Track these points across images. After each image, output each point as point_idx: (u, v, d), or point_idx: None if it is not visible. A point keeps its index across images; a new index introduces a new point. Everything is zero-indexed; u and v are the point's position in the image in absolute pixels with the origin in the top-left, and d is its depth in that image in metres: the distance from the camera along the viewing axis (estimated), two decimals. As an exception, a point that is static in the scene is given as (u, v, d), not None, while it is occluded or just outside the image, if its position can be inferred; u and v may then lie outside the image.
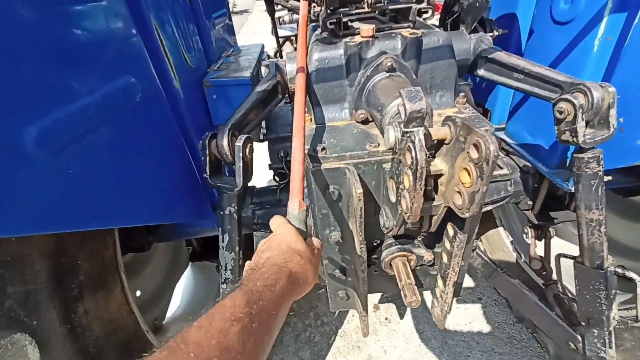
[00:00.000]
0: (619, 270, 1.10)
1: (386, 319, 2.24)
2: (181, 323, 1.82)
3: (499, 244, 2.19)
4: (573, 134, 1.01)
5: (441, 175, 0.86)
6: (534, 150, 1.45)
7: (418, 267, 1.34)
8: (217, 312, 0.49)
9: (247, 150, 1.05)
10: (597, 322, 1.15)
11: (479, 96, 1.75)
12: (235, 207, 1.21)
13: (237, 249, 1.23)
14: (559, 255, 1.25)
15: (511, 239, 2.15)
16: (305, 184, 0.85)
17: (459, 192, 0.80)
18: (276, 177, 1.56)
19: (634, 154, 1.14)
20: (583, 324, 1.19)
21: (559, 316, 1.36)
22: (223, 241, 1.22)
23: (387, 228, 1.02)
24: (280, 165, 1.51)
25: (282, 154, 1.49)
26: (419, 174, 0.73)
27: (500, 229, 2.19)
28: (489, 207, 1.59)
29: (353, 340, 2.13)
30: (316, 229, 1.15)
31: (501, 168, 1.52)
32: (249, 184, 1.59)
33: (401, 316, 2.24)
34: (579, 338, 1.25)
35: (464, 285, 2.40)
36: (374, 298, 2.36)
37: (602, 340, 1.16)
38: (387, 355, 2.04)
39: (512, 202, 1.57)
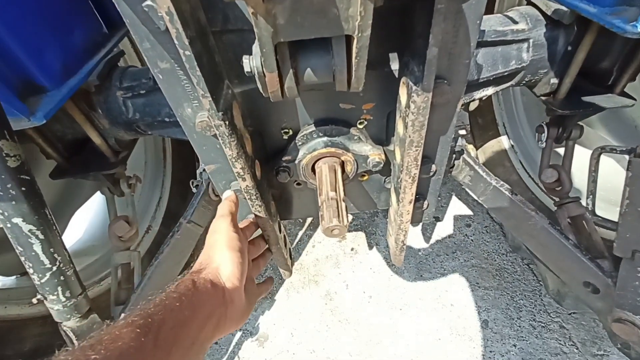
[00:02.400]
0: None
1: (352, 249, 1.86)
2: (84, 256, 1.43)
3: (499, 158, 1.68)
4: None
5: None
6: (576, -20, 0.84)
7: (365, 177, 0.85)
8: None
9: None
10: (651, 257, 0.69)
11: None
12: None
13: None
14: (599, 150, 0.74)
15: (517, 150, 1.63)
16: None
17: None
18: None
19: None
20: (623, 256, 0.74)
21: (576, 245, 0.91)
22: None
23: (252, 74, 0.49)
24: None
25: None
26: None
27: (503, 137, 1.66)
28: (491, 90, 1.04)
29: (310, 274, 1.78)
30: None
31: (515, 22, 0.93)
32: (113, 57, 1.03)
33: (370, 246, 1.86)
34: (607, 279, 0.81)
35: (450, 207, 1.98)
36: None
37: (649, 285, 0.72)
38: (348, 289, 1.70)
39: (527, 81, 1.00)
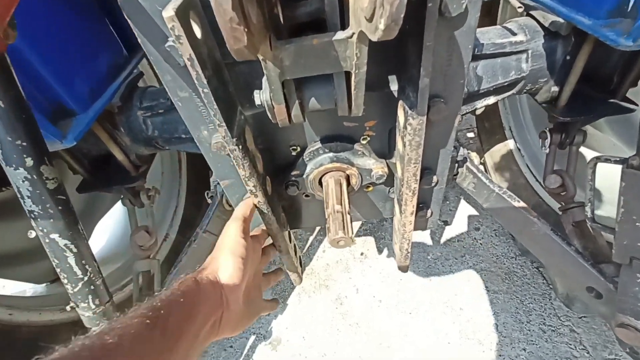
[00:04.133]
0: None
1: (362, 254, 1.90)
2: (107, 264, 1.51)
3: (507, 161, 1.70)
4: None
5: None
6: (572, -6, 0.87)
7: (370, 189, 0.89)
8: None
9: None
10: (648, 263, 0.71)
11: None
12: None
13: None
14: (595, 160, 0.77)
15: (523, 154, 1.65)
16: None
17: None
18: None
19: None
20: (621, 263, 0.76)
21: (578, 251, 0.93)
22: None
23: (263, 108, 0.55)
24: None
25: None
26: None
27: (510, 141, 1.68)
28: (492, 99, 1.07)
29: (321, 279, 1.83)
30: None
31: (513, 34, 0.96)
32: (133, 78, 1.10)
33: (379, 251, 1.89)
34: (608, 285, 0.83)
35: (459, 210, 1.99)
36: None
37: (648, 290, 0.74)
38: (359, 294, 1.74)
39: (528, 90, 1.03)
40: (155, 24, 0.54)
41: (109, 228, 1.63)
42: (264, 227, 0.80)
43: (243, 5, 0.28)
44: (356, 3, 0.36)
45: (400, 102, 0.59)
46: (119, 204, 1.59)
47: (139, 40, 0.56)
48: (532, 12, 0.98)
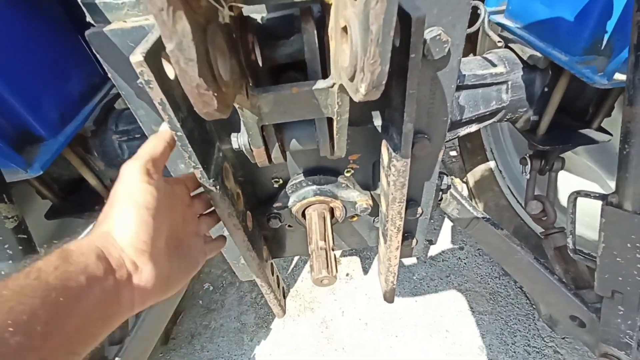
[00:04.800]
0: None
1: (347, 275, 1.87)
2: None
3: (489, 182, 1.72)
4: None
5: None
6: (549, 30, 0.90)
7: (355, 218, 0.87)
8: None
9: None
10: (629, 297, 0.71)
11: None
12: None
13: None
14: (575, 194, 0.78)
15: (505, 176, 1.68)
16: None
17: (344, 32, 0.29)
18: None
19: None
20: (603, 295, 0.76)
21: (561, 280, 0.94)
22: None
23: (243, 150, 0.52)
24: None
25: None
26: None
27: (492, 162, 1.71)
28: (475, 127, 1.08)
29: (306, 301, 1.78)
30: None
31: (494, 65, 0.98)
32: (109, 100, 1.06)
33: (365, 271, 1.87)
34: (591, 315, 0.84)
35: (443, 230, 2.00)
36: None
37: (628, 323, 0.74)
38: (344, 317, 1.70)
39: (508, 118, 1.05)
40: (126, 59, 0.51)
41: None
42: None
43: (212, 66, 0.26)
44: (337, 57, 0.35)
45: (384, 141, 0.58)
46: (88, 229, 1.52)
47: (109, 75, 0.53)
48: (510, 45, 1.01)
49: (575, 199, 0.77)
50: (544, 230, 1.17)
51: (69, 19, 0.97)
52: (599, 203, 0.69)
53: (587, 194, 0.72)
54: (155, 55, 0.39)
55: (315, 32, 0.39)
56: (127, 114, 1.06)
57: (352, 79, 0.29)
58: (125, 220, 0.44)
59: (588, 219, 1.11)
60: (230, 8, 0.31)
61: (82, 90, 0.99)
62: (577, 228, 0.87)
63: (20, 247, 0.62)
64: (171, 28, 0.20)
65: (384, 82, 0.26)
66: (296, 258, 1.99)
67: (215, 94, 0.25)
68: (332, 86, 0.38)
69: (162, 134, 0.53)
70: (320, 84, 0.38)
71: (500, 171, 1.67)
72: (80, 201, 1.12)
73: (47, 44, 0.91)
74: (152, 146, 0.51)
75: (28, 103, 0.83)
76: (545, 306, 0.96)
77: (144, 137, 1.00)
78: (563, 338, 1.49)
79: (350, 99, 0.41)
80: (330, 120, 0.47)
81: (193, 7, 0.22)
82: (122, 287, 0.43)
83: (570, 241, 0.81)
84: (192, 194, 0.58)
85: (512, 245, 0.96)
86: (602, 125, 1.05)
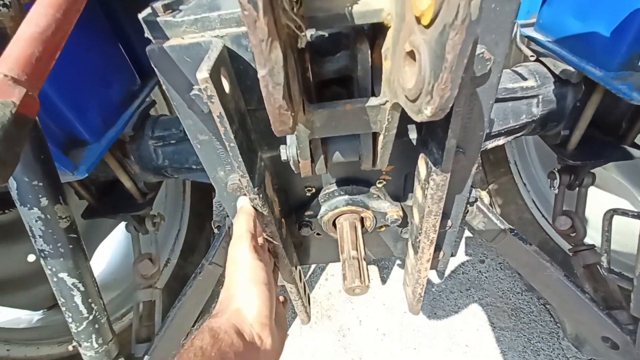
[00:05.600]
0: None
1: (365, 283, 1.86)
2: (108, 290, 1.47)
3: (512, 195, 1.70)
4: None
5: (384, 28, 0.36)
6: (582, 44, 0.89)
7: (383, 229, 0.88)
8: None
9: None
10: (668, 320, 0.69)
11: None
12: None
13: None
14: (611, 212, 0.76)
15: (529, 189, 1.65)
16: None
17: (410, 56, 0.31)
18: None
19: None
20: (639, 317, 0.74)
21: (593, 299, 0.92)
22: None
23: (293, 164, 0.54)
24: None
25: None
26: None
27: (515, 175, 1.68)
28: (502, 140, 1.08)
29: (323, 309, 1.79)
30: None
31: (524, 79, 0.98)
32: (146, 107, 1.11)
33: (383, 281, 1.86)
34: (625, 337, 0.81)
35: (463, 242, 1.98)
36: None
37: (668, 346, 0.72)
38: (362, 326, 1.69)
39: (538, 132, 1.04)
40: (181, 73, 0.55)
41: (108, 253, 1.60)
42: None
43: (290, 87, 0.28)
44: (393, 75, 0.37)
45: (422, 155, 0.59)
46: (119, 227, 1.57)
47: (164, 87, 0.57)
48: (542, 59, 1.01)
49: (612, 216, 0.76)
50: (572, 246, 1.14)
51: (111, 28, 1.02)
52: (633, 221, 0.68)
53: (625, 212, 0.71)
54: (217, 72, 0.42)
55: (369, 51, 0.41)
56: (163, 121, 1.10)
57: (414, 100, 0.31)
58: (250, 298, 0.50)
59: (617, 237, 1.09)
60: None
61: (121, 97, 1.04)
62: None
63: (70, 246, 0.66)
64: (267, 56, 0.22)
65: (450, 106, 0.28)
66: (314, 266, 2.00)
67: (292, 114, 0.27)
68: (384, 104, 0.40)
69: (245, 209, 0.59)
70: (373, 101, 0.40)
71: (525, 184, 1.64)
72: (114, 203, 1.17)
73: (92, 52, 0.96)
74: (247, 223, 0.57)
75: (75, 109, 0.88)
76: (574, 326, 0.93)
77: (178, 143, 1.06)
78: (589, 359, 1.44)
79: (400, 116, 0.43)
80: (374, 135, 0.49)
81: (281, 36, 0.24)
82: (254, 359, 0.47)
83: (604, 259, 0.79)
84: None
85: (541, 261, 0.94)
86: (635, 141, 1.03)
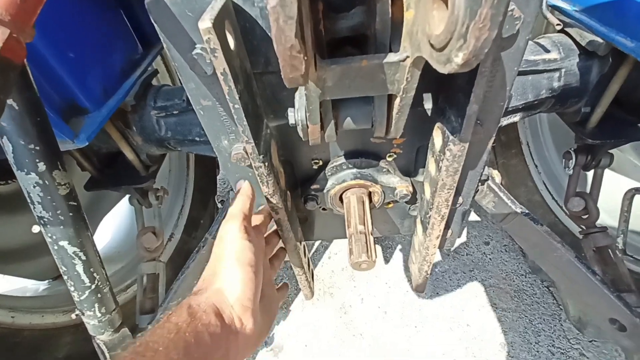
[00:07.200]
0: None
1: (368, 263, 1.86)
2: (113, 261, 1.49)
3: (522, 176, 1.66)
4: None
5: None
6: (613, 13, 0.83)
7: (390, 205, 0.86)
8: None
9: None
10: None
11: None
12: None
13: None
14: (633, 191, 0.73)
15: (540, 171, 1.61)
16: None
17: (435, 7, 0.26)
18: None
19: None
20: (652, 301, 0.72)
21: (603, 281, 0.90)
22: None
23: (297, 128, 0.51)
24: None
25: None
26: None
27: (527, 156, 1.64)
28: (519, 117, 1.03)
29: (326, 286, 1.80)
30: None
31: (547, 51, 0.92)
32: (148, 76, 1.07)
33: (386, 260, 1.86)
34: (634, 318, 0.80)
35: (468, 223, 1.96)
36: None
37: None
38: (363, 304, 1.71)
39: (557, 109, 0.99)
40: (183, 30, 0.51)
41: (112, 226, 1.60)
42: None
43: (303, 30, 0.25)
44: (416, 26, 0.33)
45: (438, 124, 0.56)
46: (123, 201, 1.57)
47: (165, 46, 0.53)
48: (567, 29, 0.94)
49: (633, 196, 0.72)
50: (582, 229, 1.11)
51: (111, -7, 0.97)
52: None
53: (649, 192, 0.68)
54: (220, 23, 0.38)
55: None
56: (165, 91, 1.06)
57: (442, 48, 0.27)
58: (233, 278, 0.48)
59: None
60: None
61: (122, 65, 1.00)
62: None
63: (70, 214, 0.64)
64: (277, -20, 0.19)
65: (486, 51, 0.24)
66: (317, 243, 2.00)
67: (305, 58, 0.24)
68: (404, 59, 0.36)
69: (245, 191, 0.59)
70: (392, 57, 0.36)
71: (536, 166, 1.60)
72: (117, 175, 1.15)
73: (92, 18, 0.92)
74: (242, 204, 0.56)
75: (75, 75, 0.85)
76: (580, 307, 0.92)
77: (181, 114, 1.02)
78: (590, 341, 1.45)
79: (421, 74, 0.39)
80: (389, 99, 0.45)
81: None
82: (231, 342, 0.45)
83: (620, 241, 0.77)
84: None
85: (552, 242, 0.92)
86: (659, 120, 0.98)
